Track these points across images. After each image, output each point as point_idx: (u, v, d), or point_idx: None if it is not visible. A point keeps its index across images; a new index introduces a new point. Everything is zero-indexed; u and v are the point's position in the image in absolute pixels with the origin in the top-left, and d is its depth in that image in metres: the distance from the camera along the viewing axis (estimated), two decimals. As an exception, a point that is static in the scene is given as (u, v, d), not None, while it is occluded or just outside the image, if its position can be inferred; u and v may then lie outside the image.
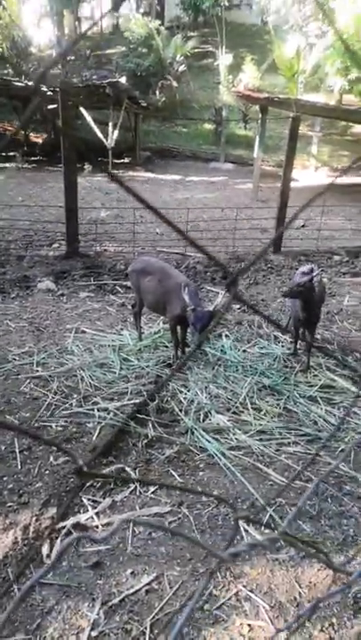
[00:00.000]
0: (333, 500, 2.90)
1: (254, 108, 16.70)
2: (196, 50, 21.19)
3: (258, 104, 13.62)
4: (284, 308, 5.66)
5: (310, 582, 2.37)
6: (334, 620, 2.19)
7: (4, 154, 15.80)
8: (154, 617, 2.17)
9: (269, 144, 17.62)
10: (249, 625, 2.15)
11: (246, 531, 2.64)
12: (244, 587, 2.32)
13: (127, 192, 0.61)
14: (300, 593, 2.31)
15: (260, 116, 13.10)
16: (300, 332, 4.55)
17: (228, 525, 2.68)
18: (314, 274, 3.93)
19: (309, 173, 17.20)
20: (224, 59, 19.15)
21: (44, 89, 13.53)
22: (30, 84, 14.20)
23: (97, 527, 2.62)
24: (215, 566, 0.63)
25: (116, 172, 14.58)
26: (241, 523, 2.68)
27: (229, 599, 2.26)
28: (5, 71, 18.80)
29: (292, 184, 8.06)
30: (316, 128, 17.34)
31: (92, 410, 3.59)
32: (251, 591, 2.30)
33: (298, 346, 4.58)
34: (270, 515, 2.74)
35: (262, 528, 2.63)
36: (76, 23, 29.15)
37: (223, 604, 2.24)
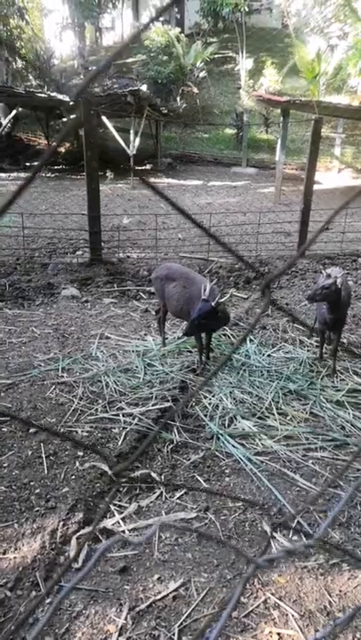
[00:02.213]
0: (363, 506, 2.83)
1: (276, 112, 16.66)
2: (216, 55, 21.30)
3: (279, 107, 13.58)
4: (308, 312, 5.59)
5: (340, 591, 2.32)
6: (367, 631, 2.13)
7: (27, 164, 16.16)
8: (182, 623, 2.15)
9: (291, 147, 17.53)
10: (278, 634, 2.11)
11: (274, 537, 2.60)
12: (272, 594, 2.29)
13: (163, 198, 0.61)
14: (330, 602, 2.26)
15: (281, 119, 13.05)
16: (326, 336, 4.49)
17: (256, 532, 2.65)
18: (338, 275, 3.87)
19: (333, 175, 17.03)
20: (244, 63, 19.18)
21: (67, 99, 13.80)
22: (53, 94, 14.47)
23: (123, 532, 2.62)
24: (251, 572, 0.61)
25: (137, 178, 14.72)
26: (270, 530, 2.65)
27: (258, 607, 2.23)
28: (29, 83, 19.22)
29: (316, 186, 7.99)
30: (339, 129, 17.18)
31: (118, 415, 3.61)
32: (280, 599, 2.27)
33: (324, 350, 4.51)
34: (298, 521, 2.69)
35: (292, 536, 2.59)
36: (97, 34, 29.68)
37: (251, 611, 2.21)
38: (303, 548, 0.64)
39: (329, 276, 3.92)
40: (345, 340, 4.90)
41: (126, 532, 2.62)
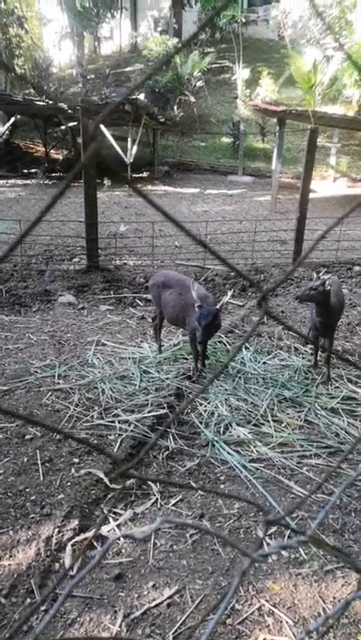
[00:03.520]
0: (357, 513, 2.85)
1: (272, 121, 16.82)
2: (213, 65, 21.49)
3: (275, 117, 13.71)
4: (304, 320, 5.63)
5: (334, 598, 2.33)
6: (360, 638, 2.14)
7: (25, 170, 16.22)
8: (176, 630, 2.16)
9: (287, 156, 17.68)
10: (272, 640, 2.12)
11: (268, 544, 2.61)
12: (266, 601, 2.30)
13: (153, 207, 0.64)
14: (324, 608, 2.27)
15: (277, 128, 13.17)
16: (320, 344, 4.53)
17: (250, 539, 2.66)
18: (326, 277, 3.94)
19: (328, 184, 17.18)
20: (241, 73, 19.37)
21: (65, 107, 13.89)
22: (52, 102, 14.56)
23: (118, 539, 2.62)
24: (247, 565, 0.64)
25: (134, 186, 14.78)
26: (262, 536, 2.66)
27: (252, 614, 2.24)
28: (27, 91, 19.33)
29: (311, 195, 8.06)
30: (335, 139, 17.34)
31: (113, 422, 3.61)
32: (274, 606, 2.27)
33: (318, 357, 4.54)
34: (292, 528, 2.71)
35: (285, 539, 2.60)
36: (96, 43, 29.92)
37: (246, 618, 2.21)
38: (297, 544, 0.66)
39: (320, 278, 3.99)
40: (339, 348, 4.93)
41: (121, 539, 2.62)
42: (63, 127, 16.35)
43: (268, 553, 0.65)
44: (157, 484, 3.03)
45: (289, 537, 2.64)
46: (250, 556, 0.63)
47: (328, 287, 3.91)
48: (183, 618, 2.22)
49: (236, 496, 2.74)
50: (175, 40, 20.87)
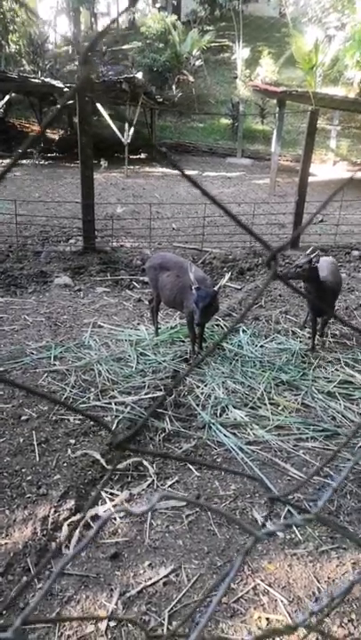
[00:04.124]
0: (352, 496, 2.87)
1: (272, 102, 16.58)
2: (212, 44, 21.08)
3: (275, 98, 13.51)
4: (302, 304, 5.61)
5: (329, 578, 2.36)
6: (353, 616, 2.17)
7: (20, 150, 15.97)
8: (172, 609, 2.17)
9: (287, 138, 17.48)
10: (267, 619, 2.14)
11: (264, 525, 2.62)
12: (262, 580, 2.32)
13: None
14: (318, 588, 2.29)
15: (277, 110, 12.99)
16: (318, 328, 4.52)
17: (246, 520, 2.68)
18: (312, 255, 3.94)
19: (328, 167, 17.03)
20: (241, 52, 19.02)
21: (61, 85, 13.62)
22: (47, 80, 14.27)
23: (115, 519, 2.63)
24: (251, 544, 0.63)
25: (131, 167, 14.61)
26: (258, 517, 2.68)
27: (247, 593, 2.26)
28: (22, 68, 18.94)
29: (310, 179, 7.98)
30: (335, 121, 17.14)
31: (110, 404, 3.61)
32: (269, 585, 2.29)
33: (316, 341, 4.53)
34: (295, 506, 2.72)
35: (281, 519, 2.61)
36: (92, 20, 29.25)
37: (241, 597, 2.23)
38: (302, 521, 0.64)
39: (308, 256, 4.00)
40: (337, 332, 4.92)
41: (117, 518, 2.63)
42: (59, 106, 16.06)
43: (272, 530, 0.63)
44: (154, 465, 3.03)
45: (285, 518, 2.65)
46: (254, 534, 0.61)
47: (315, 264, 3.93)
48: (179, 596, 2.23)
49: (233, 470, 2.76)
50: (174, 17, 20.42)
